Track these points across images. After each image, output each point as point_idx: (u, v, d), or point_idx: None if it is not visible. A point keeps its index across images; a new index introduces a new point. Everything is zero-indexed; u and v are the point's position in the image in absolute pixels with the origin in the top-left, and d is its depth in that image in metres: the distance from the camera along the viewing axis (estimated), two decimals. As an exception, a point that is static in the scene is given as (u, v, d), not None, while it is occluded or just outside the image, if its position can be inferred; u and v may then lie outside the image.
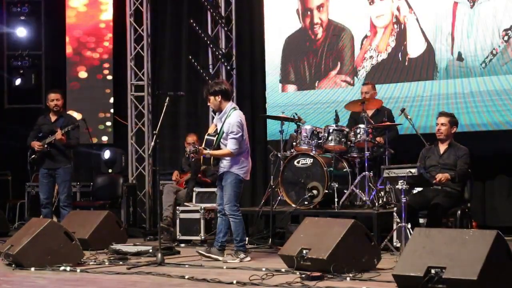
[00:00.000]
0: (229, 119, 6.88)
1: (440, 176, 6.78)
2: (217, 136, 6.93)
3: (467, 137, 8.04)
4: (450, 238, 4.95)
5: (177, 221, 8.83)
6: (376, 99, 8.41)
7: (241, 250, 6.90)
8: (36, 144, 8.52)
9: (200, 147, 6.89)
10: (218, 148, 6.91)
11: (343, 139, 8.10)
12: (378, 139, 8.17)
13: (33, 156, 8.62)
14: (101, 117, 11.86)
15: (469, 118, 8.65)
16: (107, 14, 11.87)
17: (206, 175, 9.42)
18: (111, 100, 11.85)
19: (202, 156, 6.86)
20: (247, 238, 7.26)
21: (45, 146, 8.48)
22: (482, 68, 8.58)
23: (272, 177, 8.26)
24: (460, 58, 8.75)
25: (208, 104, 7.10)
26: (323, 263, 5.76)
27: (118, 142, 11.58)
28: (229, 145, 6.85)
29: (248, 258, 6.89)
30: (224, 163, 6.93)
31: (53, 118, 8.72)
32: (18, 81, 11.72)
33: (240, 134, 6.84)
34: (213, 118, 10.45)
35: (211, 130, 7.16)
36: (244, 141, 6.94)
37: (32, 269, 6.37)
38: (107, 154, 10.84)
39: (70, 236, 6.71)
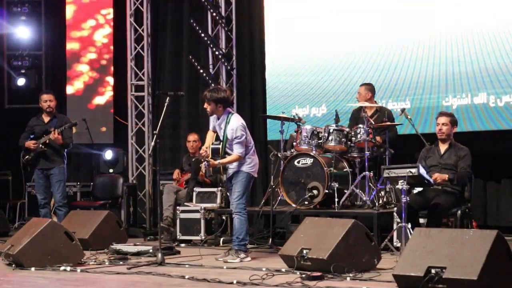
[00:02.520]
0: (231, 125, 6.91)
1: (436, 176, 6.78)
2: (222, 143, 6.97)
3: (468, 137, 8.05)
4: (450, 238, 4.95)
5: (177, 221, 8.83)
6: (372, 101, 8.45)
7: (242, 249, 6.90)
8: (31, 143, 8.49)
9: (210, 160, 6.90)
10: (225, 153, 6.95)
11: (343, 139, 8.10)
12: (377, 138, 8.17)
13: (27, 157, 8.59)
14: (101, 117, 11.88)
15: (469, 118, 8.64)
16: (107, 15, 11.90)
17: (206, 175, 9.41)
18: (111, 100, 11.86)
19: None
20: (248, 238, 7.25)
21: (40, 145, 8.46)
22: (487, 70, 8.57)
23: (272, 177, 8.26)
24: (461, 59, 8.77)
25: (204, 107, 7.10)
26: (323, 263, 5.76)
27: (118, 142, 11.58)
28: (236, 150, 6.90)
29: (249, 258, 6.89)
30: (233, 164, 6.98)
31: (46, 119, 8.69)
32: (21, 81, 11.71)
33: (244, 137, 6.91)
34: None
35: (209, 138, 7.18)
36: (248, 141, 7.00)
37: (33, 269, 6.37)
38: (109, 155, 10.84)
39: (70, 236, 6.71)
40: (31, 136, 8.58)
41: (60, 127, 8.43)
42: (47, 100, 8.64)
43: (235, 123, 6.91)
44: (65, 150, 8.63)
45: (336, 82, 9.73)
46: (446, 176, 6.81)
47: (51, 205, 8.91)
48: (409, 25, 9.15)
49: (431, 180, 6.74)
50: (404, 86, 9.17)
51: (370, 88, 8.55)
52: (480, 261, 4.59)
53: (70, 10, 11.91)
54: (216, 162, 6.91)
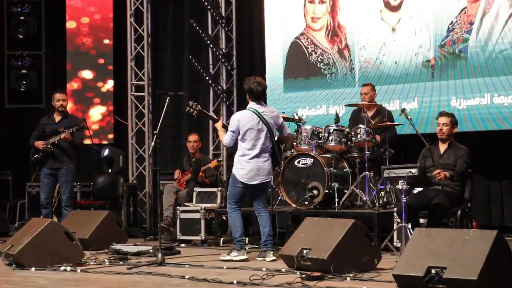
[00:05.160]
0: None
1: (439, 170, 6.79)
2: None
3: (471, 137, 8.06)
4: (450, 238, 4.95)
5: (178, 221, 8.83)
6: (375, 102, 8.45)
7: (235, 247, 6.91)
8: (40, 144, 8.51)
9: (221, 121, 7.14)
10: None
11: (343, 139, 8.10)
12: (376, 136, 8.16)
13: (36, 156, 8.62)
14: (101, 117, 11.88)
15: (470, 118, 8.64)
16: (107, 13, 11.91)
17: (206, 175, 9.43)
18: (111, 100, 11.86)
19: None
20: (245, 238, 7.16)
21: (49, 146, 8.48)
22: (488, 67, 8.56)
23: (272, 177, 8.25)
24: (463, 57, 8.75)
25: None
26: (323, 263, 5.76)
27: (119, 142, 11.58)
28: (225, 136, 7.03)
29: (242, 257, 6.82)
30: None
31: (57, 118, 8.70)
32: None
33: (231, 129, 6.93)
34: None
35: None
36: (245, 142, 6.93)
37: (33, 269, 6.37)
38: (105, 152, 10.84)
39: (70, 236, 6.71)
40: (42, 135, 8.61)
41: (70, 128, 8.44)
42: (59, 99, 8.66)
43: (234, 115, 7.03)
44: (75, 151, 8.64)
45: (337, 82, 9.73)
46: (447, 173, 6.82)
47: (53, 205, 8.90)
48: (412, 22, 9.16)
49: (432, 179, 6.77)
50: (404, 86, 9.17)
51: (373, 87, 8.57)
52: (480, 261, 4.58)
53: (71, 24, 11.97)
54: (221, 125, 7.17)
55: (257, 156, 6.94)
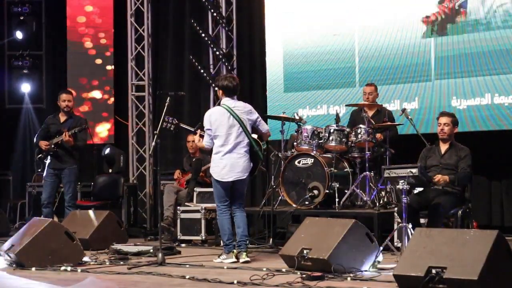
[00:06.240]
0: None
1: (439, 177, 6.78)
2: None
3: (471, 137, 8.05)
4: (450, 238, 4.95)
5: (178, 221, 8.84)
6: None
7: (224, 251, 6.90)
8: (43, 144, 8.54)
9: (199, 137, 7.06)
10: None
11: (343, 139, 8.10)
12: (377, 135, 8.16)
13: (40, 155, 8.65)
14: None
15: (471, 118, 8.64)
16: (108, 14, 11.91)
17: (206, 175, 9.43)
18: (112, 100, 11.86)
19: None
20: (233, 242, 7.01)
21: (52, 146, 8.49)
22: (489, 67, 8.55)
23: (272, 177, 8.26)
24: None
25: None
26: (324, 263, 5.77)
27: (119, 142, 11.59)
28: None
29: (230, 260, 6.78)
30: None
31: (62, 118, 8.72)
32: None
33: (206, 127, 6.89)
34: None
35: None
36: (217, 138, 6.87)
37: (33, 269, 6.37)
38: (106, 151, 10.85)
39: (71, 236, 6.71)
40: (47, 135, 8.62)
41: (73, 129, 8.44)
42: (65, 100, 8.69)
43: (206, 113, 7.02)
44: (78, 152, 8.65)
45: (337, 82, 9.73)
46: (447, 178, 6.81)
47: (54, 205, 8.90)
48: (414, 23, 9.17)
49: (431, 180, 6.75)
50: (404, 86, 9.17)
51: (376, 88, 8.57)
52: (480, 261, 4.59)
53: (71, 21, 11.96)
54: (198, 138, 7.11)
55: (230, 151, 6.84)
